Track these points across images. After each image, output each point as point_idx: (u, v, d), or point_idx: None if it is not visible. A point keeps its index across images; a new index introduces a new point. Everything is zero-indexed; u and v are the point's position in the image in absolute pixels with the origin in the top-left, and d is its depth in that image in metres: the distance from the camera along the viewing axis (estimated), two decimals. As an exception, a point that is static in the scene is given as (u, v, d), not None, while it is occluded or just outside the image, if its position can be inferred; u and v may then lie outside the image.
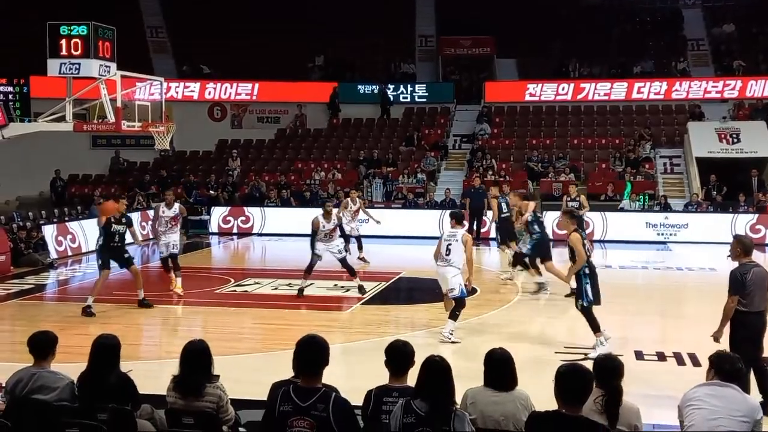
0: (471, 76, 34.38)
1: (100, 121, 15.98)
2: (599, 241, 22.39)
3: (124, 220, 13.60)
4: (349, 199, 18.57)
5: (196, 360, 5.66)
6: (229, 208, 25.47)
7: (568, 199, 17.71)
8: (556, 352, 9.59)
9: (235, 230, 24.40)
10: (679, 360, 9.75)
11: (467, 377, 5.60)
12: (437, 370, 4.96)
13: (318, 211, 14.59)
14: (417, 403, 4.84)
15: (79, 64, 15.17)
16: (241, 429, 5.93)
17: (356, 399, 5.28)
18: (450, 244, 10.87)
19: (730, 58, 31.69)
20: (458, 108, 32.01)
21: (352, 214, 18.12)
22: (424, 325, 12.10)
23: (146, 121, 16.19)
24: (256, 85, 32.36)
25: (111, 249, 13.29)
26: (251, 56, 32.94)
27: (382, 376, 5.53)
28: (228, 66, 33.00)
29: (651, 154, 27.56)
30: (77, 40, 15.13)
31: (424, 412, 4.78)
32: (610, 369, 5.32)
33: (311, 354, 4.91)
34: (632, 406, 5.31)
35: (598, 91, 31.23)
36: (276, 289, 14.24)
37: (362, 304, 13.39)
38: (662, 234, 22.67)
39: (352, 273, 14.20)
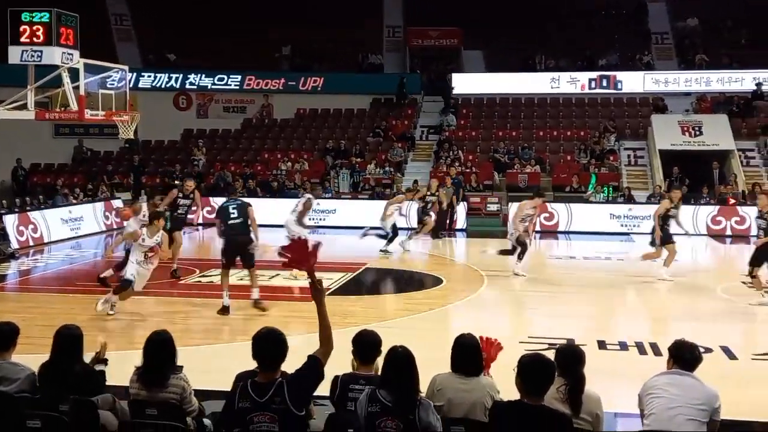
0: (438, 67, 34.45)
1: (62, 109, 15.75)
2: (564, 233, 22.63)
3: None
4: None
5: (160, 351, 5.63)
6: (194, 198, 25.22)
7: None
8: (520, 342, 9.67)
9: (200, 220, 24.21)
10: (641, 349, 9.89)
11: (433, 367, 5.62)
12: (401, 360, 4.99)
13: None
14: (382, 392, 4.87)
15: (42, 51, 14.91)
16: (205, 420, 5.91)
17: (322, 389, 5.29)
18: None
19: (693, 52, 32.11)
20: (425, 99, 32.06)
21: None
22: (390, 315, 12.13)
23: (110, 110, 15.99)
24: (222, 75, 32.10)
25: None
26: (217, 45, 32.68)
27: (347, 367, 5.56)
28: (194, 55, 32.71)
29: (615, 147, 27.85)
30: (39, 27, 14.87)
31: (389, 401, 4.81)
32: (572, 358, 5.38)
33: (267, 348, 4.86)
34: (594, 395, 5.37)
35: (563, 83, 31.47)
36: (242, 279, 14.14)
37: (328, 294, 13.37)
38: (626, 225, 22.93)
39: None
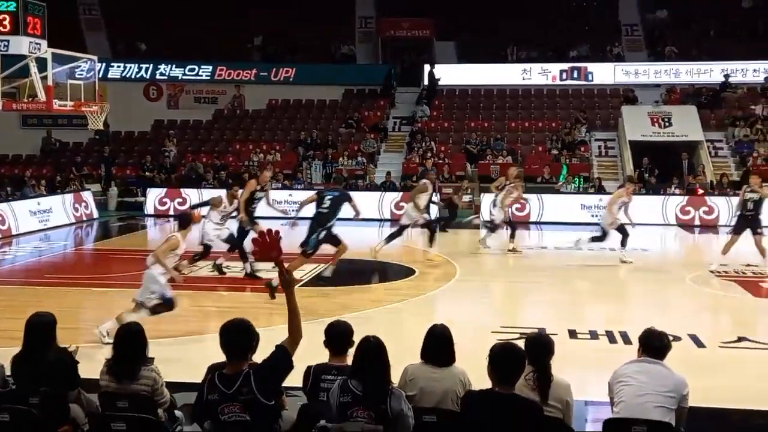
0: (411, 58, 34.46)
1: (30, 99, 15.56)
2: (535, 223, 22.77)
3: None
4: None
5: (131, 343, 5.60)
6: (165, 189, 25.08)
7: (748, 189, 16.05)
8: (492, 332, 9.73)
9: (171, 212, 24.05)
10: (611, 338, 9.99)
11: (406, 358, 5.64)
12: (372, 350, 5.00)
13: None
14: (353, 382, 4.88)
15: (8, 41, 14.73)
16: (176, 411, 5.89)
17: (295, 380, 5.30)
18: None
19: (663, 44, 32.41)
20: (398, 90, 32.05)
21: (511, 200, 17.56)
22: (362, 306, 12.12)
23: (79, 100, 15.81)
24: (193, 65, 31.86)
25: None
26: (188, 35, 32.40)
27: (321, 358, 5.56)
28: (164, 45, 32.40)
29: (586, 138, 28.05)
30: (5, 16, 14.69)
31: (360, 391, 4.82)
32: (541, 346, 5.44)
33: (234, 339, 4.84)
34: (563, 382, 5.43)
35: (535, 74, 31.62)
36: (213, 271, 14.09)
37: (300, 286, 13.35)
38: (596, 216, 23.07)
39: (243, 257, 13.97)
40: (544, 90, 31.69)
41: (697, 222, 22.64)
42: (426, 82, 31.72)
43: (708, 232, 21.71)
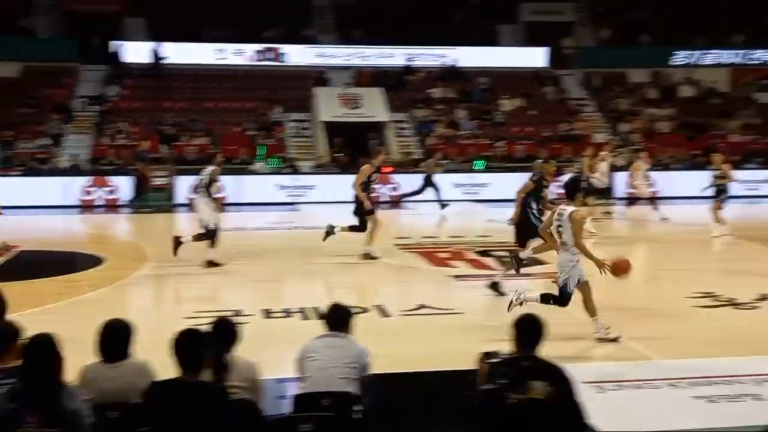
0: (99, 34, 32.53)
1: None
2: (233, 204, 22.74)
3: None
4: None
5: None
6: None
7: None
8: (184, 318, 9.52)
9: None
10: (304, 315, 10.26)
11: (87, 354, 5.34)
12: (38, 346, 4.65)
13: None
14: (21, 384, 4.51)
15: None
16: None
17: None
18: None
19: (353, 27, 33.66)
20: (86, 68, 30.16)
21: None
22: (45, 301, 11.27)
23: None
24: None
25: None
26: None
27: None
28: None
29: (281, 118, 28.48)
30: None
31: (28, 394, 4.46)
32: (226, 333, 5.47)
33: None
34: (248, 362, 5.50)
35: (230, 54, 31.42)
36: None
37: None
38: (292, 195, 23.64)
39: None
40: (238, 71, 31.59)
41: (385, 198, 23.96)
42: (119, 60, 30.11)
43: (395, 208, 23.05)
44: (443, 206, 21.27)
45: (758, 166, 26.56)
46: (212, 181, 13.51)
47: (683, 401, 7.16)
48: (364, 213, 14.12)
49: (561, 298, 8.93)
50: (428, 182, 21.62)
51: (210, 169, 13.68)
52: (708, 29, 33.60)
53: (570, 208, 8.88)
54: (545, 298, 9.07)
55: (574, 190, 9.18)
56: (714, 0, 33.60)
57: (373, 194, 15.01)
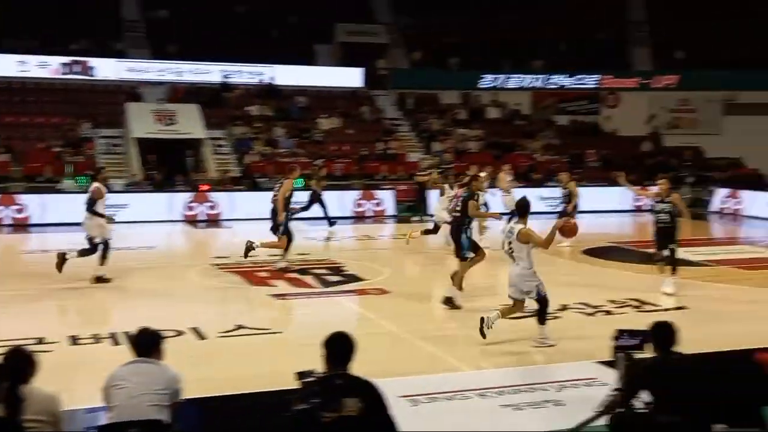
0: None
1: None
2: (37, 225, 21.51)
3: None
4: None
5: None
6: None
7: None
8: None
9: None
10: (115, 340, 9.80)
11: None
12: None
13: None
14: None
15: None
16: None
17: None
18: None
19: (166, 42, 32.84)
20: None
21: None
22: None
23: None
24: None
25: None
26: None
27: None
28: None
29: (91, 134, 27.25)
30: None
31: None
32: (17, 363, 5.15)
33: None
34: (49, 393, 5.21)
35: (33, 66, 29.76)
36: None
37: None
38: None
39: None
40: (45, 84, 29.92)
41: (201, 217, 23.52)
42: None
43: (213, 227, 22.69)
44: (332, 223, 21.07)
45: (557, 184, 28.07)
46: (92, 199, 13.50)
47: (493, 410, 7.48)
48: (280, 226, 14.34)
49: (544, 305, 9.58)
50: (315, 199, 21.27)
51: (93, 186, 13.80)
52: (512, 54, 35.63)
53: (519, 226, 9.49)
54: (540, 318, 9.64)
55: (525, 209, 9.75)
56: (517, 27, 35.64)
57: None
